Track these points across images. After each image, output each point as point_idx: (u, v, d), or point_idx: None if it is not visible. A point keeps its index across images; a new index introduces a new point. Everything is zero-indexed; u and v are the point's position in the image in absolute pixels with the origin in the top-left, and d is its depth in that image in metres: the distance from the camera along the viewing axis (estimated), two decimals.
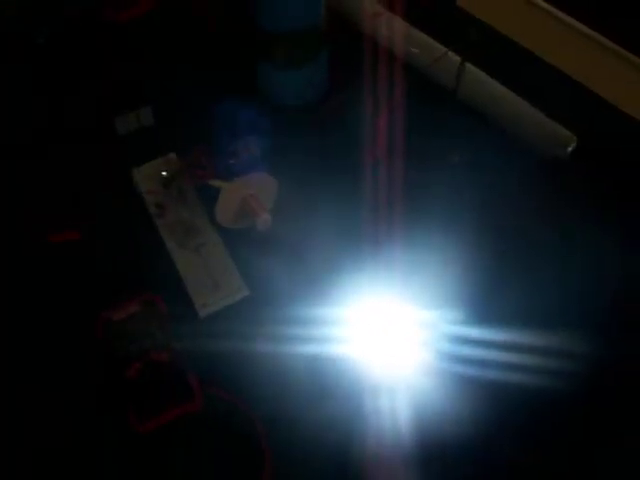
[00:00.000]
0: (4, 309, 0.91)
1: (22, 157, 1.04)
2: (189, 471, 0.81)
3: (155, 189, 0.98)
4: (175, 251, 0.94)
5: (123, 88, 1.03)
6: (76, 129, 1.05)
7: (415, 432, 0.80)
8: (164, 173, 0.97)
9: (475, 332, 0.85)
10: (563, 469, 0.79)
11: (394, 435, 0.81)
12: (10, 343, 0.88)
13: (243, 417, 0.82)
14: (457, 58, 1.02)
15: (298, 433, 0.80)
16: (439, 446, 0.79)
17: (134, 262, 0.94)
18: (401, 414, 0.82)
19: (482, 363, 0.83)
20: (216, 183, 0.92)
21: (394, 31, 1.09)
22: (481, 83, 1.04)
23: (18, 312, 0.91)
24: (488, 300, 0.88)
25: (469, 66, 1.03)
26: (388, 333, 0.86)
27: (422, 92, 1.04)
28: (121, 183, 1.00)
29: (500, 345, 0.83)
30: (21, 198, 1.00)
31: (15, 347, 0.88)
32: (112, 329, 0.88)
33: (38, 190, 1.00)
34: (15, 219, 0.98)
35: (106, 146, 1.04)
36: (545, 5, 1.04)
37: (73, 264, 0.95)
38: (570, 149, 0.98)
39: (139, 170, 1.01)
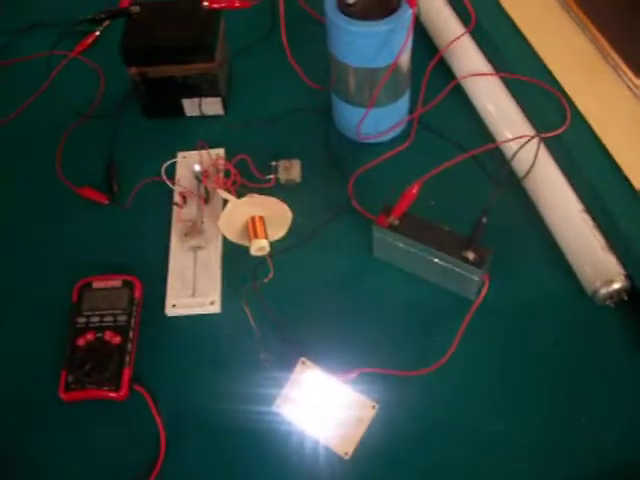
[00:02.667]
0: None
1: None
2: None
3: (188, 178, 0.99)
4: (175, 244, 0.94)
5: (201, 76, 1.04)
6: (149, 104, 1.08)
7: None
8: (197, 167, 0.97)
9: None
10: None
11: None
12: None
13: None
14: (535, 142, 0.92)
15: None
16: None
17: (138, 240, 0.97)
18: None
19: None
20: (224, 195, 0.90)
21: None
22: (548, 179, 0.93)
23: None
24: None
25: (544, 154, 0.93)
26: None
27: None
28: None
29: None
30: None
31: None
32: (87, 294, 0.91)
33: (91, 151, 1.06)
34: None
35: (170, 124, 1.07)
36: None
37: (87, 224, 0.99)
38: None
39: (184, 155, 1.02)
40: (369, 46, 0.90)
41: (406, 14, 0.88)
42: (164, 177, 0.96)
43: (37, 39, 1.21)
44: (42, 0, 1.30)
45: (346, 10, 0.89)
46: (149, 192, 0.99)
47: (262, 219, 0.91)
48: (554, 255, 0.91)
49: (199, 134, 1.05)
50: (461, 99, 1.05)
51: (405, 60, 0.93)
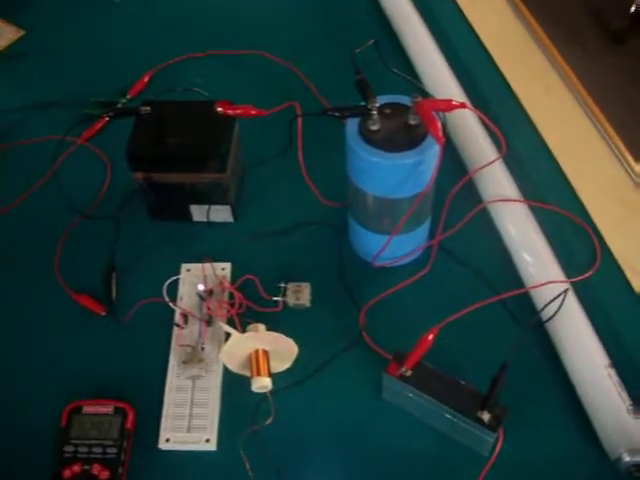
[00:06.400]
0: None
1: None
2: None
3: (190, 295, 0.93)
4: (172, 370, 0.89)
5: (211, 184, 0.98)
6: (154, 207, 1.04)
7: None
8: (201, 286, 0.91)
9: None
10: None
11: None
12: None
13: None
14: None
15: None
16: None
17: (135, 360, 0.91)
18: None
19: None
20: (226, 329, 0.85)
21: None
22: (572, 325, 0.87)
23: None
24: None
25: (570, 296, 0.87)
26: None
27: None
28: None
29: None
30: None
31: None
32: (76, 420, 0.86)
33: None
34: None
35: (176, 228, 1.03)
36: None
37: (82, 335, 0.94)
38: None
39: (188, 267, 0.96)
40: (391, 177, 0.84)
41: (434, 148, 0.82)
42: (166, 298, 0.90)
43: (48, 119, 1.16)
44: (56, 77, 1.26)
45: (369, 137, 0.83)
46: (149, 307, 0.93)
47: (266, 353, 0.86)
48: (575, 409, 0.85)
49: (205, 241, 1.00)
50: (484, 222, 0.99)
51: (429, 188, 0.88)
